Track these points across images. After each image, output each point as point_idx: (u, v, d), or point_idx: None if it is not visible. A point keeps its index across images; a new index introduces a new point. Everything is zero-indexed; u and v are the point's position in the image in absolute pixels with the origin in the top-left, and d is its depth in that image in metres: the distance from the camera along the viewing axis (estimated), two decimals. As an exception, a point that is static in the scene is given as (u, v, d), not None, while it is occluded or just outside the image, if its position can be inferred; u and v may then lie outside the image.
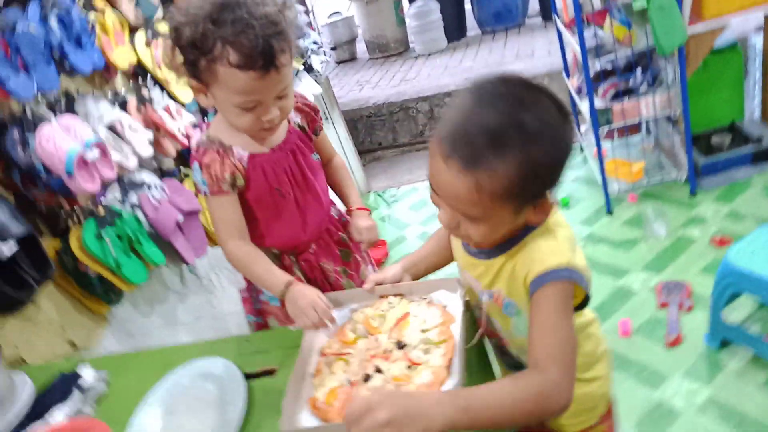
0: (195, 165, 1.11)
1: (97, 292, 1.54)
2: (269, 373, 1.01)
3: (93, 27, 1.55)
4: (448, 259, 1.04)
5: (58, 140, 1.37)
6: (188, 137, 1.85)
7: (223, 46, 0.93)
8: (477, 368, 0.95)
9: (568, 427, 0.98)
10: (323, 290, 1.05)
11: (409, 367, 0.86)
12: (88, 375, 1.13)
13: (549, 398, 0.68)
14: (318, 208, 1.22)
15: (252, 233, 1.15)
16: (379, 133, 4.36)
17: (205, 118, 2.08)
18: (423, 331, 0.92)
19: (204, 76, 0.98)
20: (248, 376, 1.00)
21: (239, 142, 1.11)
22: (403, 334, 0.93)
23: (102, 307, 1.60)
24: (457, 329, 0.90)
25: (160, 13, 1.93)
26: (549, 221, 0.82)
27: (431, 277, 1.06)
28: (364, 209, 1.27)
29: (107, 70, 1.68)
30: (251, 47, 0.92)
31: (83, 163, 1.41)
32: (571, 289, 0.78)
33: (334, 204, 1.32)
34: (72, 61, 1.44)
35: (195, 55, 0.95)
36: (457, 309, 0.95)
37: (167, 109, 1.81)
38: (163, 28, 1.97)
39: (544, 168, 0.72)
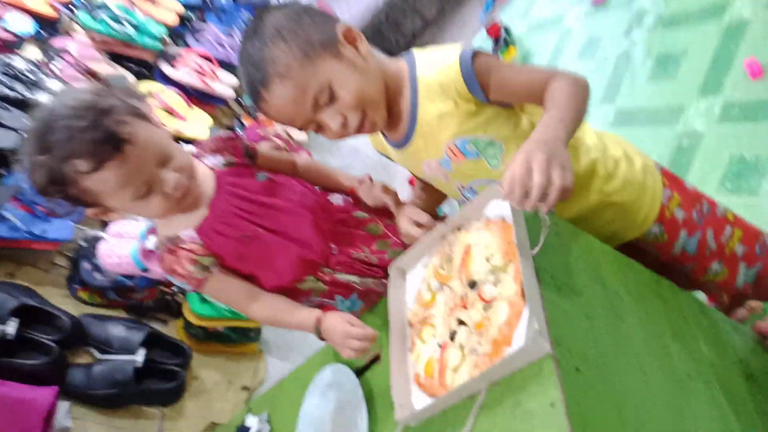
0: (169, 277, 1.06)
1: (236, 338, 1.67)
2: (376, 360, 1.00)
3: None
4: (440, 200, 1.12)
5: (117, 249, 1.45)
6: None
7: (69, 164, 0.86)
8: (572, 261, 0.83)
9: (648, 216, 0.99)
10: (376, 278, 1.01)
11: (485, 307, 0.77)
12: (253, 423, 1.23)
13: (577, 80, 0.85)
14: (304, 218, 1.08)
15: (268, 285, 1.09)
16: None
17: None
18: (488, 259, 0.82)
19: (87, 199, 0.92)
20: (359, 372, 1.00)
21: (181, 224, 1.03)
22: (471, 270, 0.84)
23: (250, 345, 1.73)
24: (516, 238, 0.78)
25: (132, 79, 1.93)
26: (414, 54, 0.94)
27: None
28: (361, 180, 1.16)
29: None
30: (88, 146, 0.85)
31: (150, 252, 1.49)
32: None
33: (331, 193, 1.18)
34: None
35: (59, 190, 0.89)
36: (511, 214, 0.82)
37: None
38: (145, 88, 1.96)
39: (294, 24, 0.85)
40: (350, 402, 0.97)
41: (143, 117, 0.93)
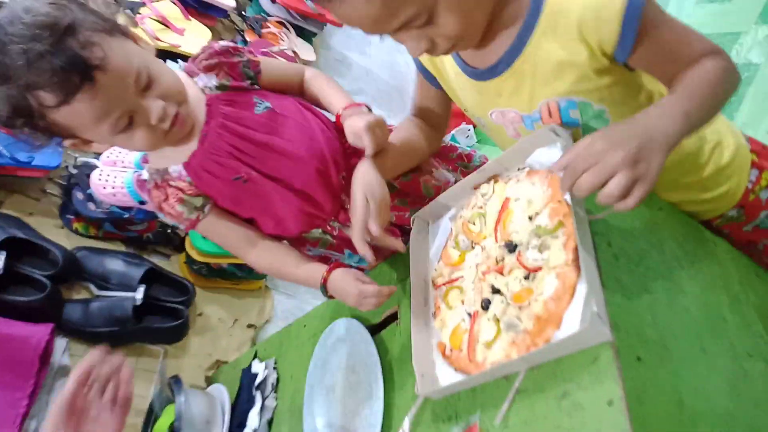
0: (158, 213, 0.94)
1: (241, 275, 1.59)
2: (392, 319, 0.91)
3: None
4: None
5: (111, 179, 1.33)
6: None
7: (31, 95, 0.70)
8: (630, 226, 0.70)
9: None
10: (396, 235, 0.88)
11: (527, 276, 0.66)
12: (259, 369, 1.18)
13: (733, 71, 0.68)
14: (308, 166, 0.91)
15: (268, 231, 0.96)
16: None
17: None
18: (531, 218, 0.70)
19: (59, 132, 0.77)
20: (374, 331, 0.91)
21: (169, 157, 0.88)
22: (510, 229, 0.72)
23: (256, 282, 1.66)
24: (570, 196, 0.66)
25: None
26: None
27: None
28: (353, 105, 0.91)
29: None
30: (51, 75, 0.68)
31: (146, 183, 1.37)
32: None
33: None
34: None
35: (25, 122, 0.73)
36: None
37: (189, 76, 1.66)
38: None
39: None
40: (364, 363, 0.89)
41: (117, 31, 0.77)
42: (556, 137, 0.71)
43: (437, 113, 0.96)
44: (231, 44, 0.92)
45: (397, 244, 0.81)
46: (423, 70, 0.89)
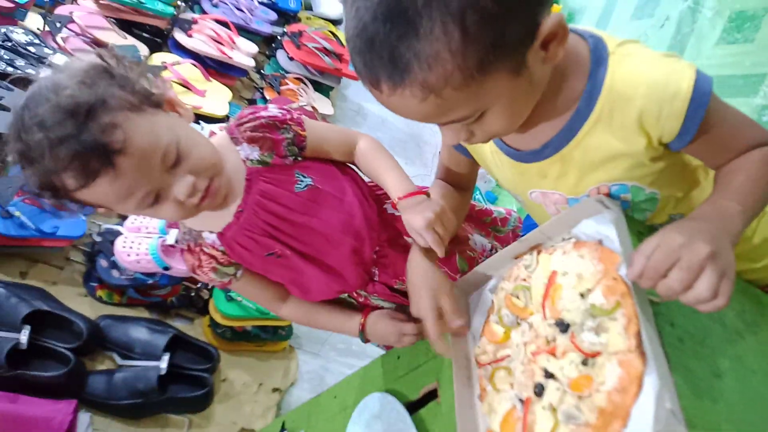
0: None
1: (266, 337, 1.55)
2: (432, 395, 0.86)
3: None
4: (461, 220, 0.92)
5: (135, 246, 1.32)
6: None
7: (55, 177, 0.69)
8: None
9: None
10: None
11: (584, 362, 0.62)
12: (290, 441, 1.13)
13: None
14: (344, 246, 0.88)
15: (294, 295, 0.95)
16: None
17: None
18: (582, 295, 0.66)
19: (88, 204, 0.75)
20: (412, 408, 0.86)
21: (204, 222, 0.85)
22: (560, 306, 0.68)
23: (280, 344, 1.62)
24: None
25: (145, 50, 1.76)
26: (609, 48, 0.64)
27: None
28: (411, 194, 0.84)
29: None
30: (71, 161, 0.66)
31: (171, 248, 1.36)
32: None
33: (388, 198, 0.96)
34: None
35: (55, 197, 0.72)
36: (615, 239, 0.66)
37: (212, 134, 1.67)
38: (158, 59, 1.80)
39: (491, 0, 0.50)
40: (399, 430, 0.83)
41: (149, 104, 0.74)
42: (604, 208, 0.68)
43: (466, 176, 0.93)
44: (279, 115, 0.86)
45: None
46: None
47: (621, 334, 0.59)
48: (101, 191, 0.71)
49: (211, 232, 0.86)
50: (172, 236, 1.35)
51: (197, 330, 1.51)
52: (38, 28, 1.62)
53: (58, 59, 1.52)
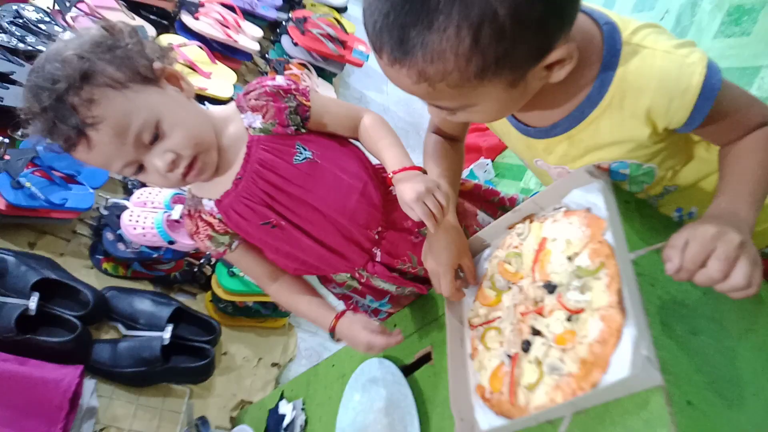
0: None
1: (266, 313, 1.59)
2: (426, 359, 0.90)
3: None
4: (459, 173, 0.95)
5: (141, 219, 1.36)
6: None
7: (48, 137, 0.76)
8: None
9: None
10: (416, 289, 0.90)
11: (569, 318, 0.65)
12: (287, 410, 1.16)
13: None
14: (339, 225, 0.90)
15: (290, 271, 0.97)
16: None
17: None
18: (570, 258, 0.70)
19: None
20: (407, 371, 0.90)
21: (206, 188, 0.89)
22: (548, 270, 0.72)
23: (280, 320, 1.65)
24: (612, 237, 0.66)
25: (152, 31, 1.79)
26: (623, 37, 0.65)
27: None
28: (406, 169, 0.84)
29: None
30: (49, 128, 0.73)
31: (176, 222, 1.40)
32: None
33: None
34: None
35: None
36: (602, 207, 0.70)
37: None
38: (165, 41, 1.83)
39: (511, 19, 0.52)
40: (398, 405, 0.88)
41: (138, 81, 0.77)
42: (592, 178, 0.72)
43: (460, 129, 0.95)
44: (284, 84, 0.89)
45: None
46: None
47: (604, 292, 0.63)
48: (82, 157, 0.78)
49: (210, 199, 0.89)
50: (177, 211, 1.38)
51: (199, 305, 1.54)
52: (48, 7, 1.65)
53: (68, 37, 1.55)
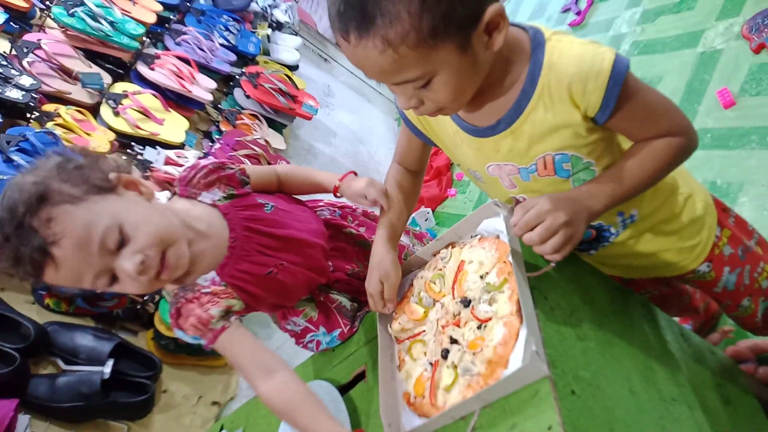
0: (177, 332, 0.92)
1: (207, 351, 1.62)
2: (361, 377, 0.98)
3: (54, 135, 1.52)
4: (413, 203, 1.05)
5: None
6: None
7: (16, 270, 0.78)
8: (566, 286, 0.83)
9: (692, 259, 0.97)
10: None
11: (480, 326, 0.76)
12: (229, 440, 1.19)
13: (686, 150, 0.81)
14: (316, 246, 1.02)
15: (272, 310, 1.05)
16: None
17: (211, 143, 2.02)
18: (482, 276, 0.81)
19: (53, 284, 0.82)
20: (344, 390, 0.98)
21: (197, 272, 0.91)
22: (464, 287, 0.83)
23: (221, 359, 1.68)
24: (512, 257, 0.78)
25: (108, 78, 1.87)
26: (545, 36, 0.76)
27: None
28: (346, 175, 1.05)
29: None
30: (15, 259, 0.76)
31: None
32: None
33: (318, 205, 1.14)
34: (54, 180, 1.43)
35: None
36: (506, 234, 0.82)
37: (168, 161, 1.77)
38: (120, 88, 1.91)
39: None
40: (335, 410, 0.94)
41: (94, 192, 0.80)
42: (498, 209, 0.85)
43: (420, 160, 1.07)
44: (217, 161, 1.00)
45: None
46: (410, 125, 0.97)
47: (506, 303, 0.75)
48: (53, 278, 0.78)
49: (205, 277, 0.91)
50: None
51: (140, 342, 1.55)
52: (4, 52, 1.71)
53: (25, 80, 1.61)
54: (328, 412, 0.88)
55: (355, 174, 1.06)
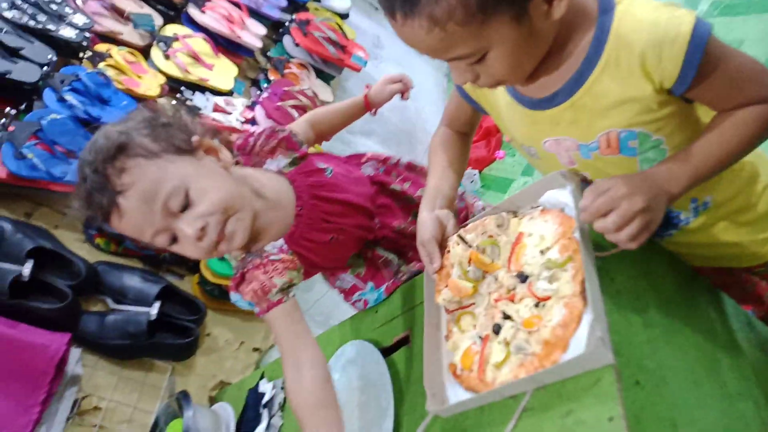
0: (234, 296, 0.92)
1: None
2: (404, 342, 0.96)
3: (106, 76, 1.51)
4: (462, 167, 0.99)
5: (138, 199, 1.40)
6: (249, 120, 1.80)
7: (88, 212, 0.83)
8: (632, 270, 0.77)
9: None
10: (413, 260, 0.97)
11: (537, 304, 0.72)
12: (267, 388, 1.21)
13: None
14: (367, 209, 1.02)
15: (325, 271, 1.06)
16: None
17: (259, 92, 1.99)
18: (543, 252, 0.77)
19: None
20: (386, 353, 0.96)
21: (265, 239, 0.92)
22: (522, 262, 0.79)
23: (263, 308, 1.70)
24: (579, 235, 0.73)
25: (159, 20, 1.84)
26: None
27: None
28: (366, 90, 1.15)
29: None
30: (87, 198, 0.80)
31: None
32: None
33: (362, 162, 1.11)
34: (106, 121, 1.43)
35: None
36: (573, 207, 0.77)
37: (216, 108, 1.76)
38: (171, 30, 1.88)
39: None
40: (375, 384, 0.93)
41: (171, 151, 0.82)
42: (565, 180, 0.79)
43: (470, 124, 1.02)
44: (269, 127, 1.02)
45: None
46: (462, 92, 0.93)
47: (569, 282, 0.70)
48: (117, 226, 0.82)
49: (274, 242, 0.92)
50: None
51: (186, 286, 1.58)
52: (59, -11, 1.70)
53: (78, 19, 1.60)
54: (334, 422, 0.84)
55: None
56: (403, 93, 1.21)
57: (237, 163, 0.97)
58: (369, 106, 1.17)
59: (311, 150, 1.09)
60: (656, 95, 0.70)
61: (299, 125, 1.10)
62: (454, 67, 0.71)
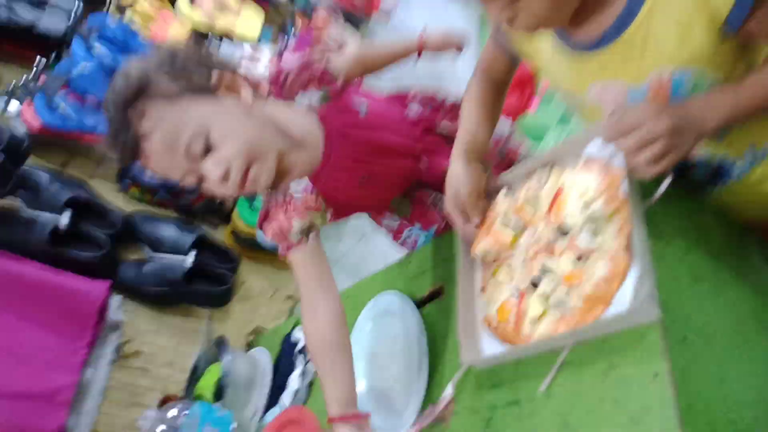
0: (260, 233, 0.95)
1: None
2: (437, 294, 0.95)
3: (132, 24, 1.49)
4: (497, 116, 0.95)
5: (170, 148, 1.40)
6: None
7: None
8: (680, 222, 0.73)
9: None
10: None
11: (579, 258, 0.69)
12: (301, 335, 1.24)
13: None
14: (407, 151, 0.98)
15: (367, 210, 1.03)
16: None
17: (286, 36, 1.94)
18: (586, 204, 0.73)
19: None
20: (419, 305, 0.96)
21: (292, 175, 0.88)
22: (563, 214, 0.76)
23: (295, 257, 1.72)
24: (627, 187, 0.69)
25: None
26: None
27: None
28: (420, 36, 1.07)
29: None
30: (112, 140, 0.78)
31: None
32: None
33: (407, 101, 1.05)
34: (135, 70, 1.42)
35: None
36: (621, 158, 0.72)
37: (243, 56, 1.72)
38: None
39: None
40: (408, 334, 0.94)
41: (191, 92, 0.79)
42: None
43: (507, 72, 0.97)
44: (300, 56, 0.96)
45: None
46: (500, 36, 0.88)
47: (614, 236, 0.67)
48: (146, 165, 0.81)
49: (298, 183, 0.91)
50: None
51: (220, 236, 1.61)
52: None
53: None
54: (346, 374, 0.87)
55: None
56: (459, 49, 1.13)
57: (269, 94, 0.94)
58: (420, 51, 1.09)
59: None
60: (709, 30, 0.64)
61: (346, 59, 1.04)
62: (491, 6, 0.66)
